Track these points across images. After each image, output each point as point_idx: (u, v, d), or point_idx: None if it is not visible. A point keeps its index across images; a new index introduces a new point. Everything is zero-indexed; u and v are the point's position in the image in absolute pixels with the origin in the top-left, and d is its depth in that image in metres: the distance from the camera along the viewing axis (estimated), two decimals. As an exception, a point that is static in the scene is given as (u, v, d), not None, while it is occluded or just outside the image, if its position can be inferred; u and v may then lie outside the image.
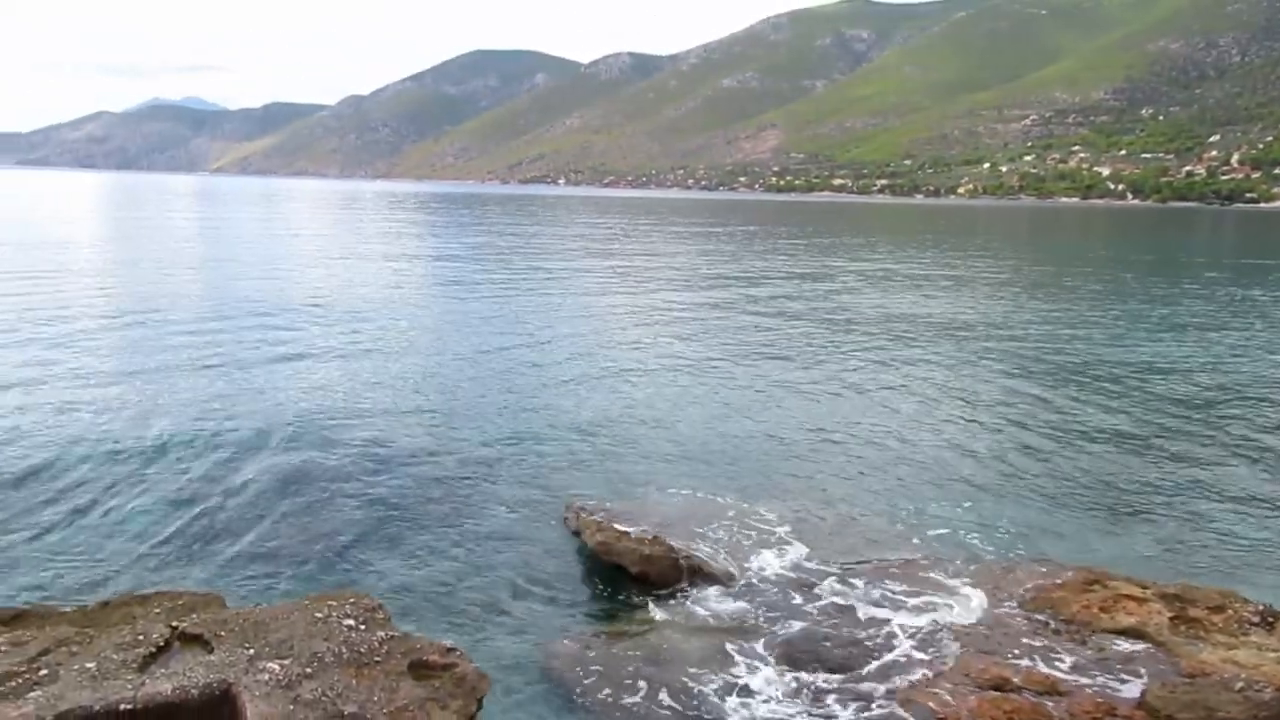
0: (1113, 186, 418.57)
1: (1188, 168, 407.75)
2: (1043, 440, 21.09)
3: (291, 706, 8.13)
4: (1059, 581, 12.75)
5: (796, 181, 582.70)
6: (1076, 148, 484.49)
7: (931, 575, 13.25)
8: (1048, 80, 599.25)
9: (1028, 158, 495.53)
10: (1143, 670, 10.42)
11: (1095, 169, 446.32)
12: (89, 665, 8.41)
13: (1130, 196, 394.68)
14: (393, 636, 9.42)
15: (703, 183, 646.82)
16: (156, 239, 77.12)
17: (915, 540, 15.00)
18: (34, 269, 49.21)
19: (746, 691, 10.46)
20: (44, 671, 8.32)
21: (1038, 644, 11.15)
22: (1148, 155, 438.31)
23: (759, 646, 11.52)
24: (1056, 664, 10.66)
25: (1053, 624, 11.62)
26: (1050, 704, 9.60)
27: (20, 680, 8.17)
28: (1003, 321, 39.91)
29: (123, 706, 7.88)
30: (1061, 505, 17.01)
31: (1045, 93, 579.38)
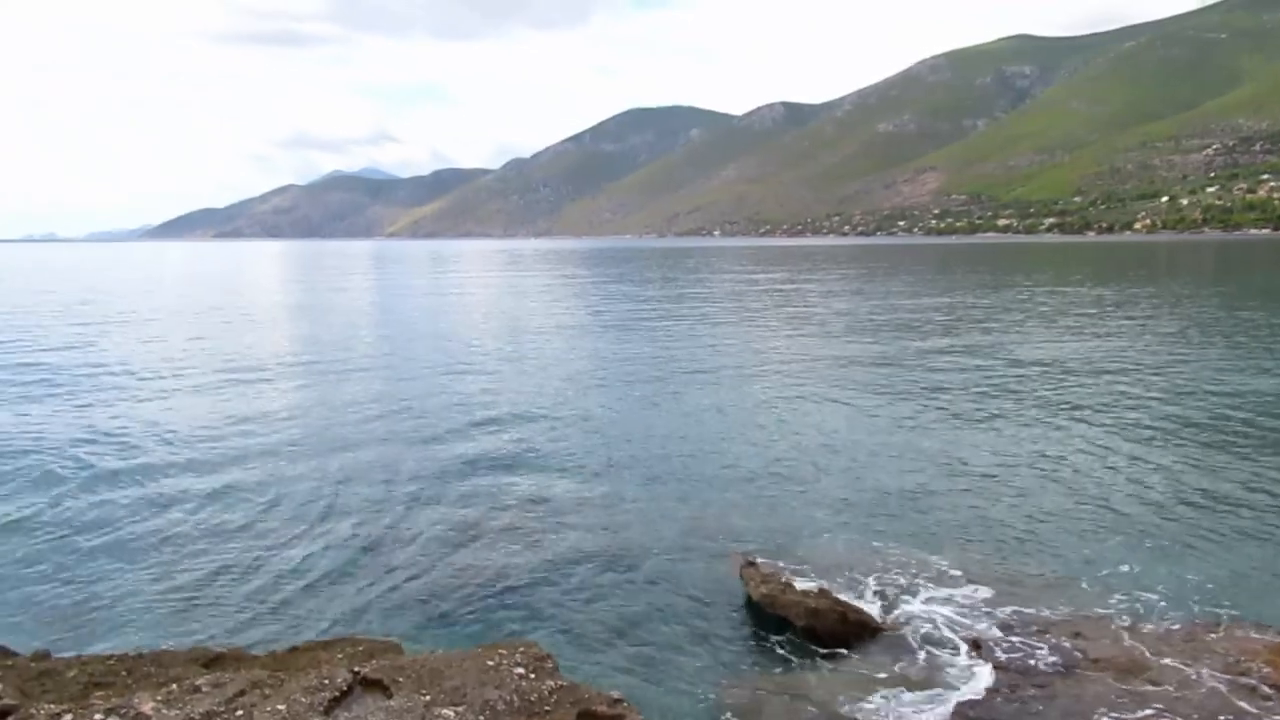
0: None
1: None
2: (1235, 490, 19.58)
3: (466, 753, 8.32)
4: (1263, 643, 11.75)
5: (958, 224, 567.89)
6: (1266, 176, 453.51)
7: (1119, 633, 12.43)
8: (1230, 107, 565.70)
9: (1210, 189, 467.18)
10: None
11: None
12: (280, 708, 8.85)
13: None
14: (561, 686, 9.54)
15: (860, 228, 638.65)
16: (341, 300, 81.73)
17: (1098, 595, 14.13)
18: (229, 329, 52.89)
19: (921, 753, 10.04)
20: (240, 712, 8.82)
21: (1240, 710, 10.28)
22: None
23: (932, 708, 11.06)
24: (1267, 734, 9.80)
25: (1256, 689, 10.69)
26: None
27: (221, 719, 8.68)
28: (1189, 363, 37.48)
29: (311, 748, 8.25)
30: (1261, 562, 15.67)
31: (1227, 120, 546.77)
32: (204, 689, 9.15)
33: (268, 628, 13.51)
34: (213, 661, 10.26)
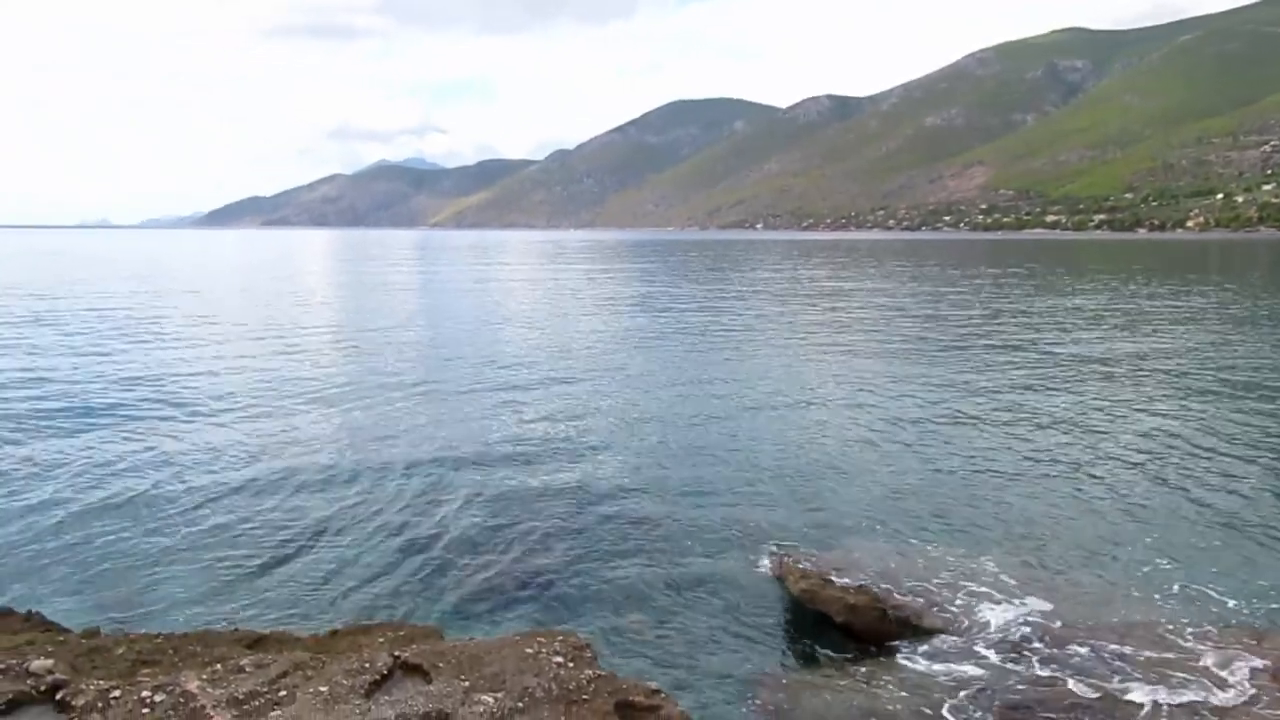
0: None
1: None
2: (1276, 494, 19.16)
3: (504, 740, 8.36)
4: (1316, 653, 11.47)
5: (1005, 219, 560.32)
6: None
7: (1171, 639, 12.19)
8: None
9: (1267, 186, 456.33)
10: None
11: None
12: (322, 689, 8.96)
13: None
14: (600, 675, 9.56)
15: (904, 223, 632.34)
16: (384, 291, 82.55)
17: (1151, 599, 13.88)
18: (280, 312, 53.62)
19: (961, 754, 9.93)
20: (283, 692, 8.94)
21: (1292, 720, 10.05)
22: None
23: (974, 711, 10.93)
24: (1319, 745, 9.57)
25: (1312, 700, 10.44)
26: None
27: (263, 700, 8.80)
28: (1233, 367, 36.68)
29: (352, 730, 8.34)
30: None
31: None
32: (248, 669, 9.28)
33: (310, 612, 13.69)
34: (256, 643, 10.40)
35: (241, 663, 9.43)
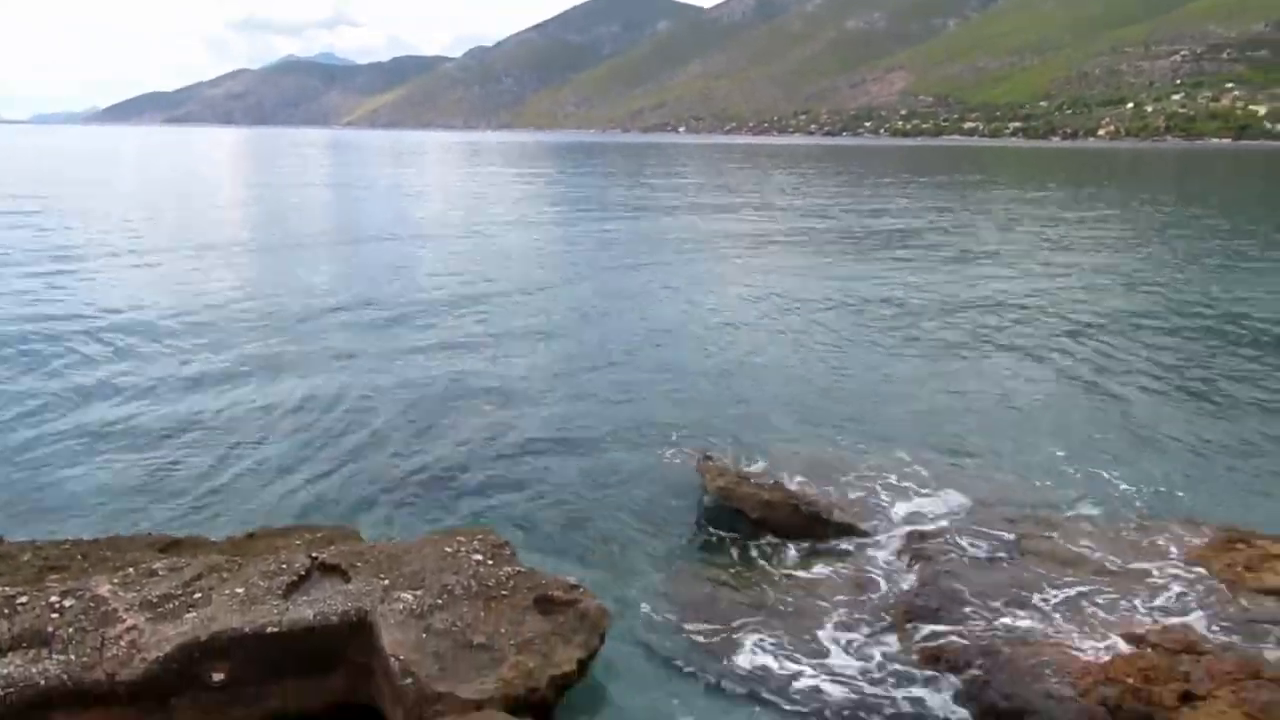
0: (1270, 126, 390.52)
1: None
2: (1186, 397, 20.06)
3: (424, 635, 8.47)
4: (1202, 541, 12.18)
5: (924, 125, 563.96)
6: (1230, 85, 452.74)
7: (1067, 531, 12.81)
8: (1201, 13, 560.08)
9: (1176, 96, 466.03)
10: (1291, 633, 9.90)
11: (1251, 108, 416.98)
12: (238, 591, 8.93)
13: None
14: (519, 572, 9.70)
15: (826, 128, 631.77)
16: (297, 198, 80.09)
17: (1051, 496, 14.52)
18: (184, 212, 51.71)
19: (864, 647, 10.37)
20: (198, 595, 8.88)
21: (1178, 603, 10.70)
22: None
23: (880, 601, 11.39)
24: (1197, 623, 10.22)
25: (1195, 583, 11.12)
26: (1189, 664, 9.22)
27: (178, 602, 8.74)
28: (1143, 272, 37.98)
29: (269, 629, 8.36)
30: (1206, 464, 16.17)
31: (1198, 26, 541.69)
32: (161, 572, 9.19)
33: (224, 516, 13.52)
34: (169, 547, 10.28)
35: (154, 566, 9.32)
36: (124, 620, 8.33)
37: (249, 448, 16.21)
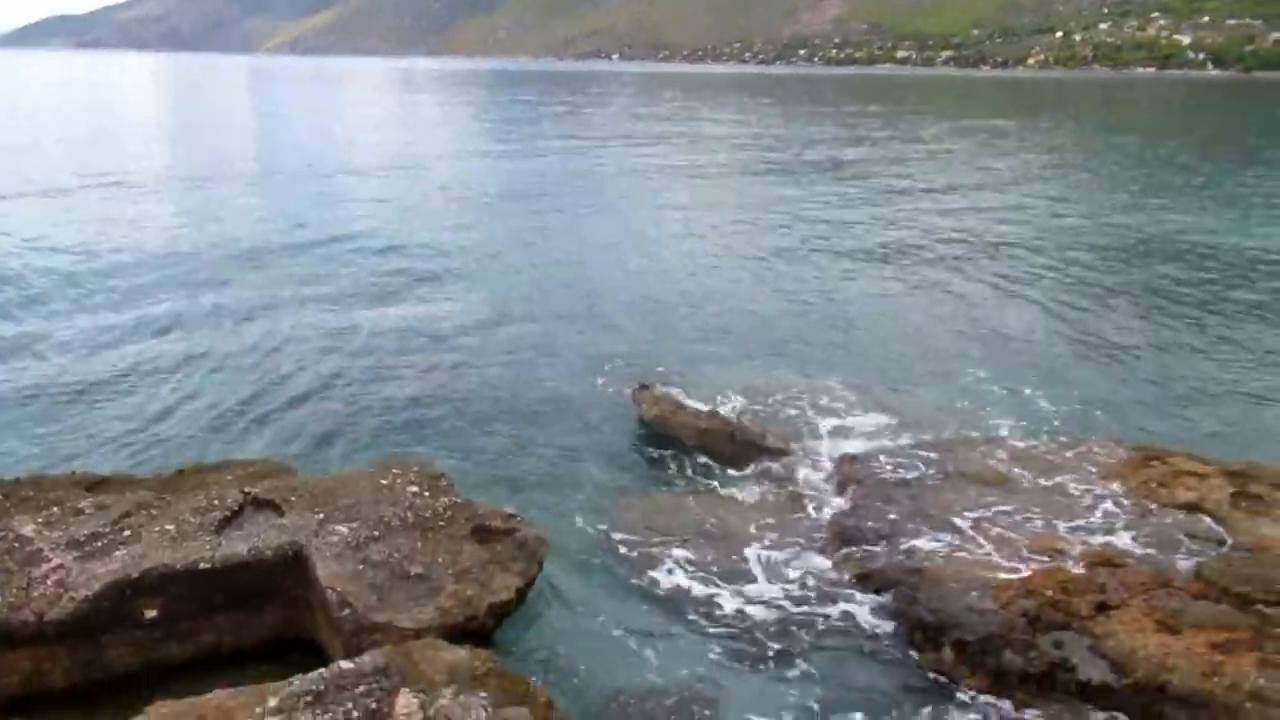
0: (1193, 56, 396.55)
1: (1276, 35, 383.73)
2: (1106, 320, 20.66)
3: (360, 567, 8.47)
4: (1118, 459, 12.63)
5: (858, 54, 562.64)
6: (1156, 14, 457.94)
7: (991, 452, 13.18)
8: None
9: (1103, 25, 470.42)
10: (1200, 545, 10.37)
11: (1175, 37, 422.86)
12: (169, 527, 8.81)
13: (1211, 67, 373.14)
14: (456, 502, 9.71)
15: (760, 56, 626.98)
16: (224, 118, 77.43)
17: (975, 417, 14.94)
18: (105, 145, 49.76)
19: (797, 566, 10.65)
20: (127, 532, 8.75)
21: (1094, 519, 11.12)
22: (1233, 21, 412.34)
23: (812, 523, 11.67)
24: (1112, 538, 10.65)
25: (1110, 499, 11.55)
26: (1105, 576, 9.63)
27: (106, 540, 8.60)
28: (1068, 200, 38.71)
29: (202, 565, 8.29)
30: (1125, 385, 16.76)
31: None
32: (88, 511, 9.02)
33: (152, 453, 13.28)
34: (96, 485, 10.06)
35: (80, 505, 9.15)
36: (50, 560, 8.19)
37: (176, 387, 15.87)
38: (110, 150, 50.54)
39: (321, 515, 9.15)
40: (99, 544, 8.49)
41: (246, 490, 9.60)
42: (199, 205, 33.42)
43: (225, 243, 26.88)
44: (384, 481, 9.97)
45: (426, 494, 9.79)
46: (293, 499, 9.47)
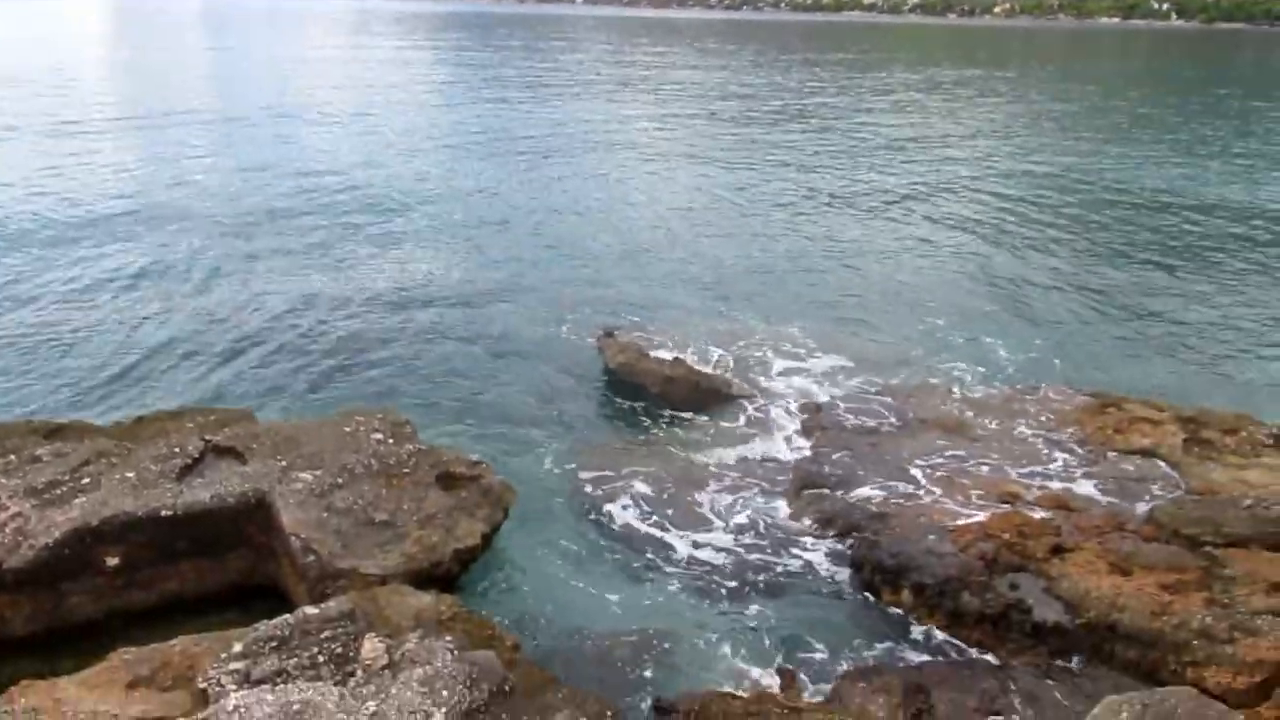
0: (1157, 6, 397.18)
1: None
2: (1065, 268, 20.88)
3: (325, 514, 8.45)
4: (1076, 405, 12.86)
5: (824, 0, 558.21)
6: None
7: (949, 397, 13.39)
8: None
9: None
10: (1153, 489, 10.62)
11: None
12: (129, 475, 8.72)
13: (1175, 17, 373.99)
14: (420, 449, 9.69)
15: (725, 2, 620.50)
16: (169, 75, 75.40)
17: (935, 364, 15.11)
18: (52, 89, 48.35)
19: (758, 511, 10.78)
20: (86, 480, 8.64)
21: (1051, 464, 11.35)
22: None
23: (774, 466, 11.80)
24: (1068, 483, 10.88)
25: (1067, 445, 11.79)
26: (1060, 519, 9.84)
27: (66, 488, 8.49)
28: (1028, 149, 38.82)
29: (164, 513, 8.23)
30: (1083, 333, 17.01)
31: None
32: (45, 459, 8.91)
33: (111, 401, 13.11)
34: (53, 433, 9.90)
35: (38, 453, 9.03)
36: (8, 507, 8.09)
37: (130, 337, 15.58)
38: (59, 93, 49.08)
39: (284, 462, 9.10)
40: (58, 491, 8.40)
41: (207, 438, 9.51)
42: (152, 150, 32.59)
43: (180, 190, 26.27)
44: (347, 429, 9.92)
45: (390, 441, 9.76)
46: (254, 446, 9.40)
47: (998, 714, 7.42)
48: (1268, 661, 7.51)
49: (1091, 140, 41.43)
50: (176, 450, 9.19)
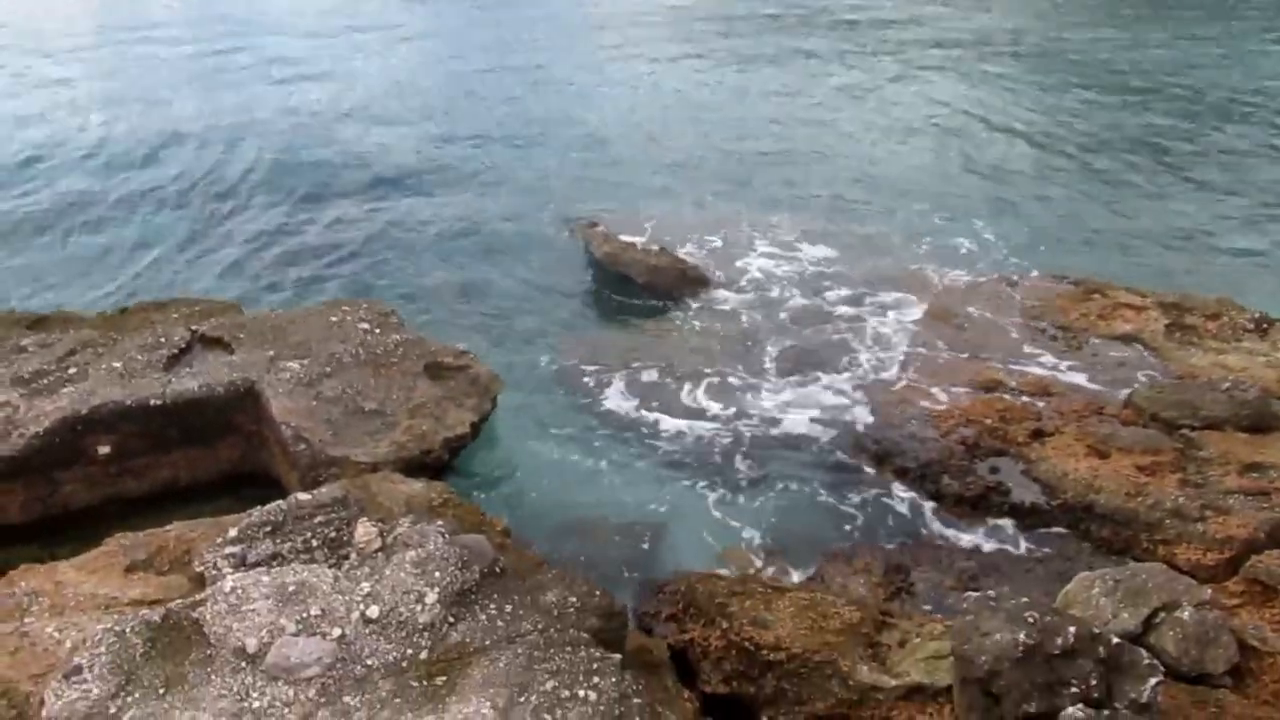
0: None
1: None
2: (1049, 154, 20.62)
3: (314, 402, 8.49)
4: (1061, 292, 12.90)
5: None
6: None
7: (933, 284, 13.43)
8: None
9: None
10: (1133, 373, 10.74)
11: None
12: (116, 365, 8.70)
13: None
14: (407, 339, 9.68)
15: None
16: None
17: (919, 250, 15.06)
18: None
19: (744, 395, 10.88)
20: (73, 370, 8.63)
21: (1033, 350, 11.45)
22: None
23: (759, 351, 11.88)
24: (1050, 368, 10.99)
25: (1050, 331, 11.87)
26: (1041, 404, 9.99)
27: (52, 378, 8.49)
28: (1008, 29, 37.91)
29: (153, 402, 8.25)
30: (1067, 219, 16.92)
31: None
32: (30, 349, 8.88)
33: (95, 292, 13.04)
34: (37, 323, 9.85)
35: (23, 343, 8.99)
36: (-4, 398, 8.09)
37: (114, 228, 15.39)
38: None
39: (272, 352, 9.09)
40: (45, 381, 8.40)
41: (193, 328, 9.48)
42: (129, 45, 31.65)
43: (159, 83, 25.61)
44: (334, 318, 9.89)
45: (377, 331, 9.74)
46: (241, 336, 9.38)
47: (974, 590, 7.66)
48: (1236, 538, 7.74)
49: (1081, 23, 40.46)
50: (163, 340, 9.16)
